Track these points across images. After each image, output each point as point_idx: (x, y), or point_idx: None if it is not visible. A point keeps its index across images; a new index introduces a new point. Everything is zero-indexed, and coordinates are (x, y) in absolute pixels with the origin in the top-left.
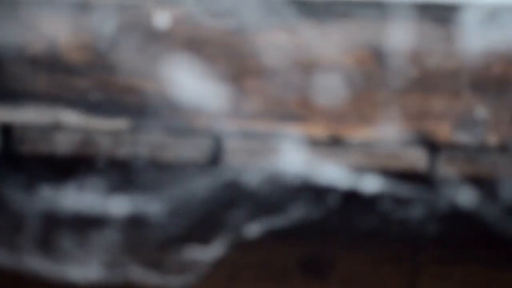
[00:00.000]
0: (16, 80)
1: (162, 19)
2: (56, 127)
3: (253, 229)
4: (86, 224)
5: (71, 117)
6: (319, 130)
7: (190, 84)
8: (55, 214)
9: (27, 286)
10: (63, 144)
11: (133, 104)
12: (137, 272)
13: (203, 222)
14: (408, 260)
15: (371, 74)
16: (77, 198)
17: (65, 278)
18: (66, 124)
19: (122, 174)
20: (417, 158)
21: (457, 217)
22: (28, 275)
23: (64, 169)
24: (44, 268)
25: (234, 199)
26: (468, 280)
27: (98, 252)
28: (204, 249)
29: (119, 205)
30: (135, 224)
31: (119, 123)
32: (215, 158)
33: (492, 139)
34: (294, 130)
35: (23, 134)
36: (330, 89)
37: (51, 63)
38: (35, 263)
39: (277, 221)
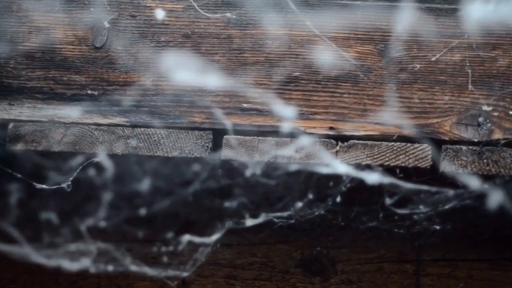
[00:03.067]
0: (11, 76)
1: (160, 12)
2: (52, 123)
3: (253, 224)
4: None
5: (67, 113)
6: (321, 126)
7: (189, 78)
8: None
9: (23, 275)
10: (59, 140)
11: (131, 99)
12: (133, 264)
13: (202, 215)
14: (411, 260)
15: (374, 68)
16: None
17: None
18: (62, 120)
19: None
20: (422, 154)
21: (462, 215)
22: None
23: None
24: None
25: (233, 194)
26: (471, 279)
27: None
28: (202, 242)
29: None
30: (132, 218)
31: (117, 119)
32: (214, 153)
33: (498, 134)
34: (296, 125)
35: (19, 130)
36: (331, 84)
37: (47, 58)
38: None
39: (278, 217)
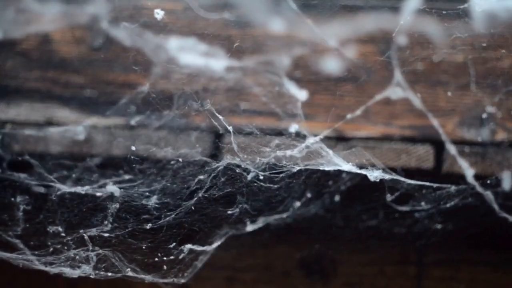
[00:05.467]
0: (8, 76)
1: (159, 12)
2: (49, 124)
3: (254, 225)
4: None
5: (65, 114)
6: (322, 126)
7: (188, 78)
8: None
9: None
10: (57, 142)
11: (130, 100)
12: (132, 269)
13: (203, 217)
14: (413, 262)
15: (376, 69)
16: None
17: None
18: (60, 121)
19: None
20: (424, 155)
21: (464, 216)
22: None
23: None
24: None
25: (234, 195)
26: (474, 282)
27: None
28: (203, 245)
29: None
30: (131, 217)
31: (115, 120)
32: (215, 154)
33: (501, 135)
34: (297, 126)
35: (16, 131)
36: (332, 84)
37: (45, 58)
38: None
39: (278, 218)
